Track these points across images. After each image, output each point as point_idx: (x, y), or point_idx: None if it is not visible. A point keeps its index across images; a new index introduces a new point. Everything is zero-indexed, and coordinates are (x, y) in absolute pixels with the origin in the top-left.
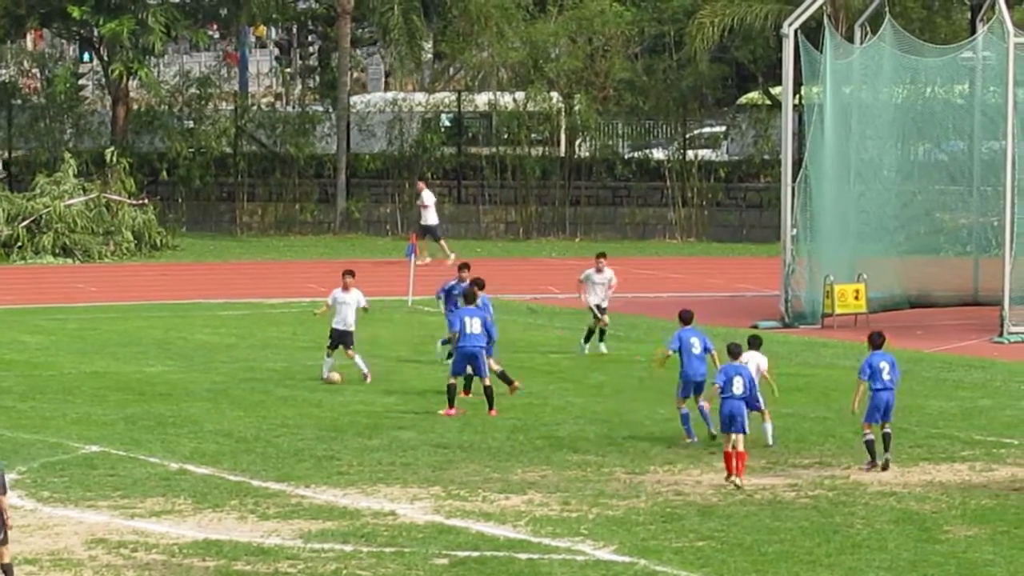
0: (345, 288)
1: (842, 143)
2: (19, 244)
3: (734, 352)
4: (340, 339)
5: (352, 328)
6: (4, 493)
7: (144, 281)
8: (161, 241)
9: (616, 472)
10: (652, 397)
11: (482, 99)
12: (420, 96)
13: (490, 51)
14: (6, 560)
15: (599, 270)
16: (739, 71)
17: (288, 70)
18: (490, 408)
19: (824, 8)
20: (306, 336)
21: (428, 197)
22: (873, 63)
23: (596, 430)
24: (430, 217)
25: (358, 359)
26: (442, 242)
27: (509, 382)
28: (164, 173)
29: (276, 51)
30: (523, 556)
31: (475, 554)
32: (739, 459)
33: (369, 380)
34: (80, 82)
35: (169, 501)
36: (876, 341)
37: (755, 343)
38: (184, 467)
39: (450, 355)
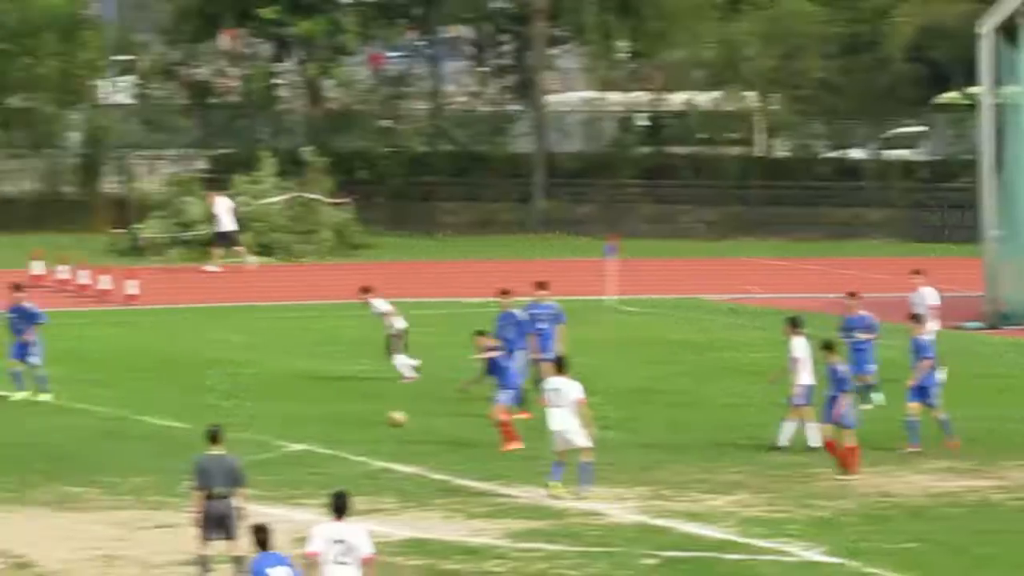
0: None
1: None
2: None
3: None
4: None
5: None
6: (244, 485)
7: (344, 280)
8: (360, 240)
9: (823, 473)
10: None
11: (677, 98)
12: (616, 95)
13: (685, 50)
14: (236, 552)
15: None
16: (935, 70)
17: (483, 69)
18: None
19: (1021, 7)
20: None
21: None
22: None
23: (801, 431)
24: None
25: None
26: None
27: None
28: (362, 172)
29: (472, 50)
30: (731, 557)
31: (682, 554)
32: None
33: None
34: (276, 81)
35: (375, 500)
36: None
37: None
38: (389, 466)
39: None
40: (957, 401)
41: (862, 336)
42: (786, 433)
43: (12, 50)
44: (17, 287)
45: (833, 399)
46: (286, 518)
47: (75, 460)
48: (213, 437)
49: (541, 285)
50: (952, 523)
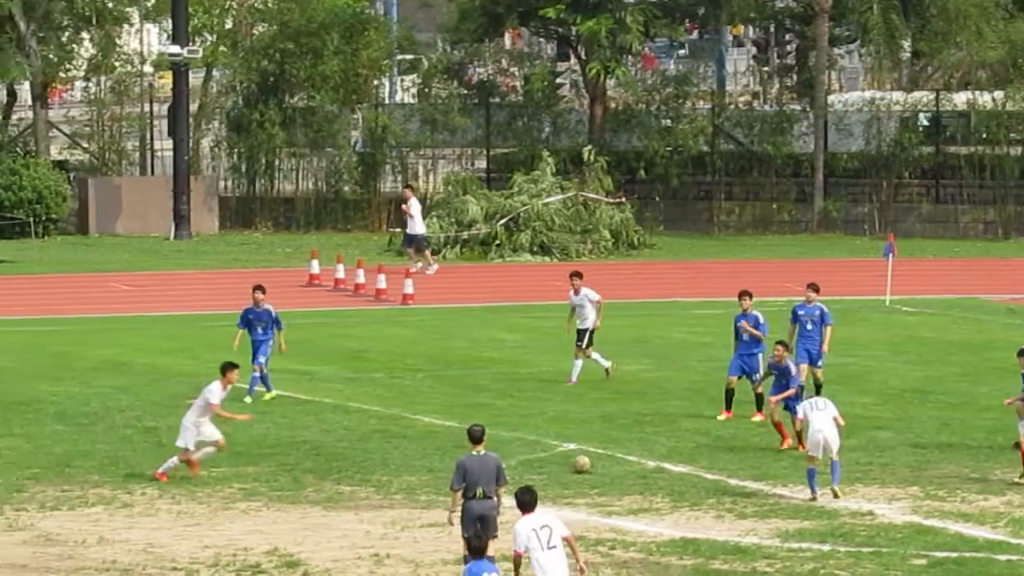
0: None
1: None
2: (497, 242)
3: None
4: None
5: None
6: (504, 484)
7: (622, 279)
8: (639, 240)
9: None
10: None
11: (960, 98)
12: (898, 95)
13: (968, 50)
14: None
15: None
16: None
17: (765, 69)
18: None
19: None
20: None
21: (415, 205)
22: None
23: None
24: (417, 227)
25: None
26: (426, 252)
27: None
28: (641, 172)
29: (754, 50)
30: (1002, 558)
31: (953, 555)
32: None
33: (610, 375)
34: (557, 81)
35: (646, 499)
36: None
37: None
38: (661, 465)
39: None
40: None
41: None
42: None
43: (295, 50)
44: (259, 289)
45: None
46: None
47: (347, 459)
48: (476, 437)
49: (813, 287)
50: None
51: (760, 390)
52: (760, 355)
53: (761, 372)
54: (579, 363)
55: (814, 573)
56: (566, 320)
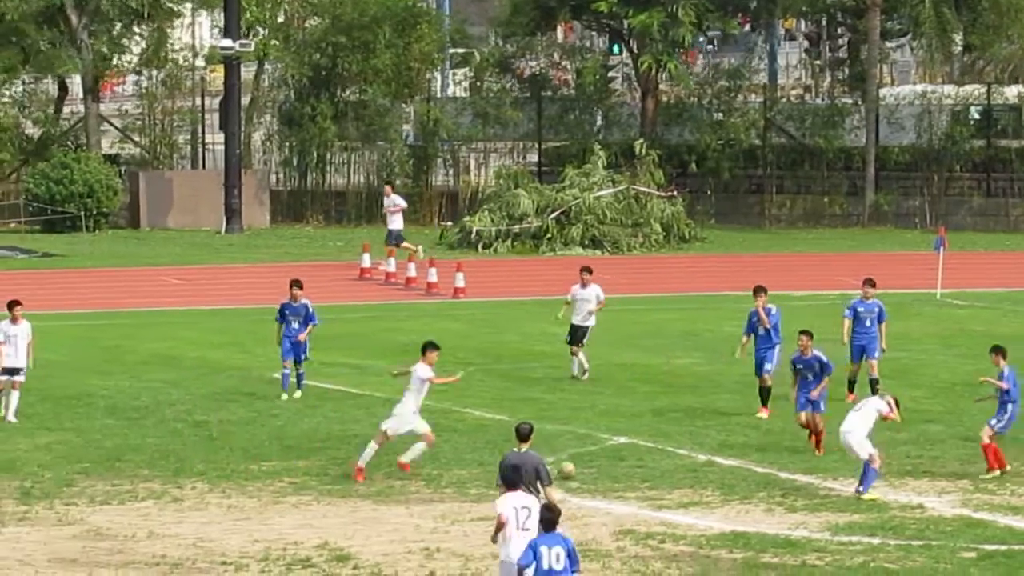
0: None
1: None
2: (548, 235)
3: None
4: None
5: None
6: (549, 484)
7: (673, 273)
8: (690, 233)
9: None
10: None
11: (1012, 91)
12: (949, 89)
13: (1020, 43)
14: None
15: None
16: None
17: (817, 62)
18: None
19: None
20: (830, 329)
21: (396, 201)
22: None
23: None
24: (396, 222)
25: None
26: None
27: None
28: (693, 165)
29: (805, 43)
30: None
31: (1003, 548)
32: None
33: (586, 377)
34: (609, 74)
35: (697, 493)
36: None
37: None
38: (712, 459)
39: None
40: None
41: None
42: None
43: (347, 43)
44: (296, 284)
45: None
46: (606, 510)
47: (398, 453)
48: (522, 435)
49: (869, 282)
50: None
51: (770, 383)
52: (775, 349)
53: (773, 366)
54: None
55: (864, 566)
56: (562, 309)
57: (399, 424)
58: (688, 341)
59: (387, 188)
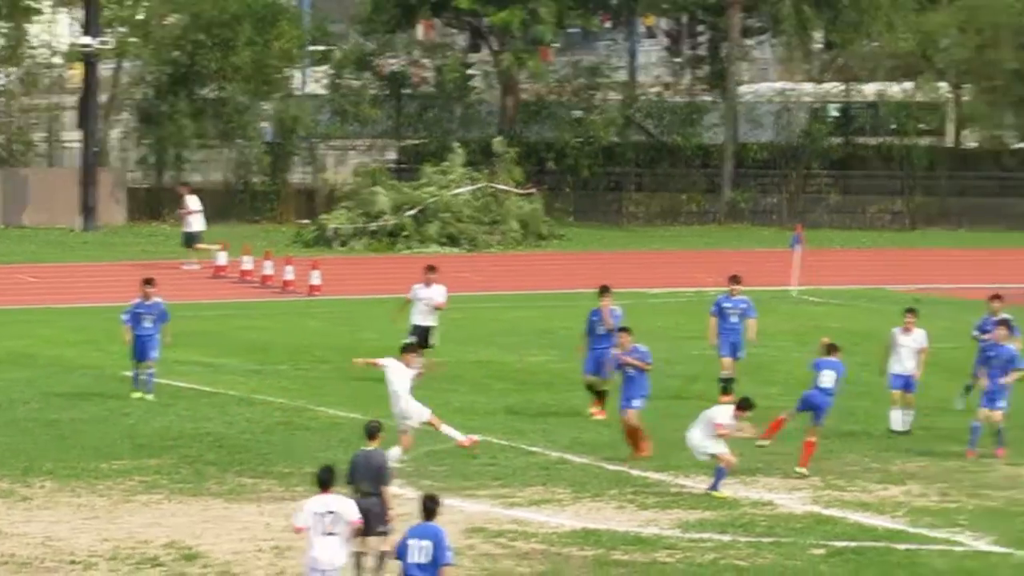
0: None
1: None
2: (405, 233)
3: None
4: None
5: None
6: (387, 484)
7: (530, 270)
8: (547, 231)
9: (996, 464)
10: None
11: (870, 89)
12: (808, 86)
13: (879, 41)
14: (383, 548)
15: (907, 330)
16: None
17: (677, 60)
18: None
19: None
20: (690, 326)
21: (193, 203)
22: None
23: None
24: (195, 224)
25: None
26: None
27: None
28: (552, 163)
29: (666, 41)
30: (901, 546)
31: (852, 544)
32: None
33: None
34: (469, 72)
35: (549, 490)
36: None
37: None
38: (564, 456)
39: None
40: None
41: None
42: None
43: (206, 41)
44: (148, 282)
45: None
46: (458, 508)
47: (250, 451)
48: (371, 432)
49: (734, 279)
50: None
51: (601, 386)
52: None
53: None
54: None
55: (714, 563)
56: (397, 309)
57: (414, 417)
58: (543, 339)
59: (183, 189)
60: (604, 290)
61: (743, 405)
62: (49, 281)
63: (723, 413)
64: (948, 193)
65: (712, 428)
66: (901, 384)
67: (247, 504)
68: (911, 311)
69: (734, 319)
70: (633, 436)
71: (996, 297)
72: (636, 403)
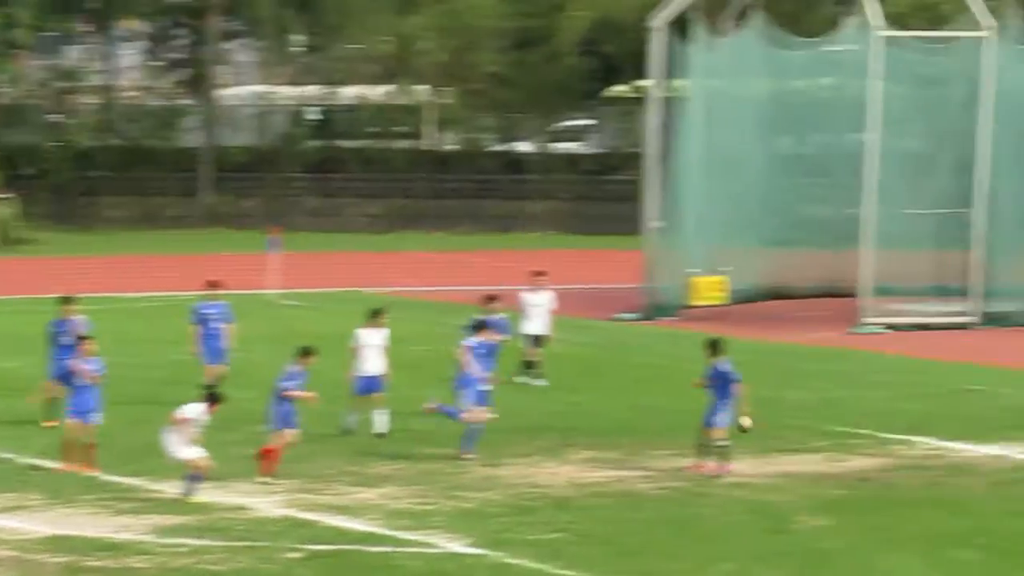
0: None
1: (707, 136)
2: None
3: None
4: None
5: None
6: None
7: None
8: (22, 236)
9: (472, 465)
10: (514, 392)
11: (349, 92)
12: (288, 89)
13: (359, 44)
14: None
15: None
16: (607, 64)
17: (157, 63)
18: None
19: (693, 2)
20: (168, 331)
21: None
22: (739, 57)
23: (455, 424)
24: None
25: None
26: None
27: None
28: (26, 167)
29: (145, 44)
30: (376, 549)
31: (329, 547)
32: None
33: None
34: None
35: (22, 496)
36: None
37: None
38: (35, 462)
39: None
40: (607, 391)
41: (497, 338)
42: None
43: None
44: None
45: None
46: None
47: None
48: None
49: (212, 284)
50: (597, 513)
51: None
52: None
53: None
54: None
55: (189, 568)
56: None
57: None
58: (15, 344)
59: None
60: (68, 300)
61: (212, 399)
62: None
63: (192, 408)
64: (426, 195)
65: (181, 424)
66: (366, 386)
67: None
68: (378, 312)
69: (215, 325)
70: (74, 448)
71: (491, 298)
72: (93, 416)
